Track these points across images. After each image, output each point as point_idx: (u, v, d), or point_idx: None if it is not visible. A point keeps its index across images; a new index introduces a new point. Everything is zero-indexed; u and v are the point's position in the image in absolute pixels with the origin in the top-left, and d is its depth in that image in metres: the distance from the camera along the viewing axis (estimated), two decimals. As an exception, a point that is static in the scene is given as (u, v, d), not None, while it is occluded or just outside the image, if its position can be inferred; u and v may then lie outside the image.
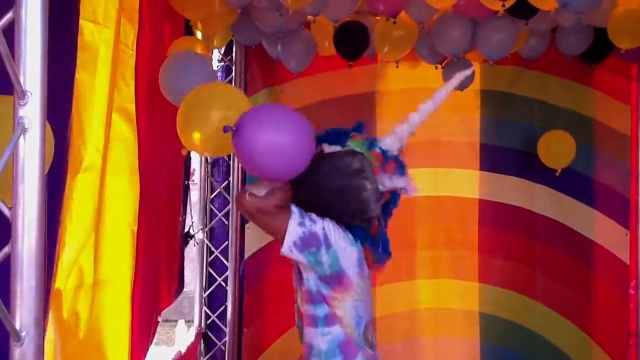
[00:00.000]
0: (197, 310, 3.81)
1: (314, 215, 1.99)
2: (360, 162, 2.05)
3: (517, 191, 4.11)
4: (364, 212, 2.04)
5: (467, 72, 2.33)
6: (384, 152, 2.15)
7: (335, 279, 2.00)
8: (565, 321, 4.12)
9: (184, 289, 3.58)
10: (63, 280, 1.96)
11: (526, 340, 4.10)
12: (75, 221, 1.99)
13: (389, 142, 2.17)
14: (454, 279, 4.18)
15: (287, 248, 1.96)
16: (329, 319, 2.02)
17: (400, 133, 2.20)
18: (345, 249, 2.00)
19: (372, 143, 2.16)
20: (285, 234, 1.94)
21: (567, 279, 4.14)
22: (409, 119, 2.21)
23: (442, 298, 4.20)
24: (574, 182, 4.10)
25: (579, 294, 4.15)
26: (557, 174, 3.86)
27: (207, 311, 3.83)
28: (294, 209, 1.97)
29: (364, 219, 2.06)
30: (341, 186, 2.02)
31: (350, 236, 2.04)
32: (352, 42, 3.45)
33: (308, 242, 1.94)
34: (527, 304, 4.11)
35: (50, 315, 1.87)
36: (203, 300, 3.83)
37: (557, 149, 3.86)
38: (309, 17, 3.31)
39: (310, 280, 2.02)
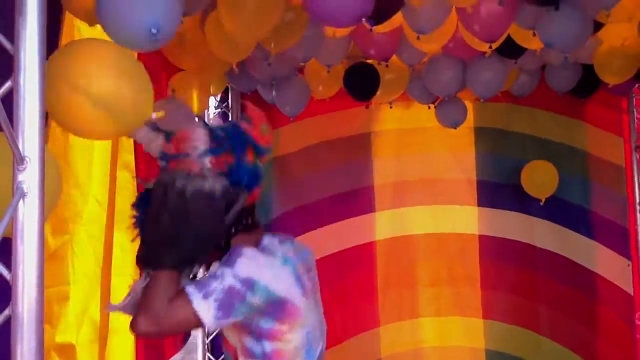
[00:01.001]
0: (200, 357, 3.78)
1: (214, 270, 1.59)
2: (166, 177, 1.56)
3: (516, 225, 4.13)
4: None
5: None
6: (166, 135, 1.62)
7: (276, 308, 1.60)
8: (572, 354, 4.09)
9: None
10: (73, 334, 1.95)
11: (534, 376, 4.06)
12: (79, 274, 2.00)
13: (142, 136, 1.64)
14: (458, 316, 4.17)
15: (214, 325, 1.56)
16: (270, 357, 1.63)
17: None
18: (275, 276, 1.60)
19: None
20: (199, 318, 1.52)
21: (572, 312, 4.13)
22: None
23: (447, 336, 4.18)
24: (573, 215, 4.13)
25: (584, 326, 4.13)
26: (541, 203, 3.89)
27: (211, 357, 3.80)
28: (186, 288, 1.53)
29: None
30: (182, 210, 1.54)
31: (279, 255, 1.64)
32: (363, 82, 3.54)
33: (229, 303, 1.54)
34: (533, 339, 4.09)
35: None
36: (206, 346, 3.80)
37: (539, 178, 3.91)
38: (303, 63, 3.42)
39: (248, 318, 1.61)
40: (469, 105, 3.87)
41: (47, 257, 1.87)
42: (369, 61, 3.52)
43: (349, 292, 3.98)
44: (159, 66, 3.03)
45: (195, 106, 3.67)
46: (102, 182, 2.16)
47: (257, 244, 1.64)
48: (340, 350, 3.91)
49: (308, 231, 4.01)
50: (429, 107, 3.78)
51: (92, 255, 2.10)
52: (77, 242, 2.01)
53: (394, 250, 4.07)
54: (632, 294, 4.08)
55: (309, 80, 3.59)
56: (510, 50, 3.11)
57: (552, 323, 4.11)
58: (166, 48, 2.90)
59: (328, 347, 4.15)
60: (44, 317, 1.83)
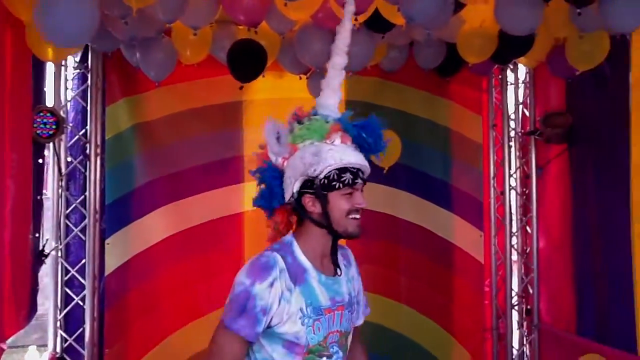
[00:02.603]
0: (51, 334, 3.54)
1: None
2: None
3: (381, 198, 4.23)
4: None
5: (350, 7, 2.09)
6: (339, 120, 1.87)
7: None
8: (428, 321, 4.31)
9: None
10: None
11: (393, 342, 4.22)
12: None
13: (330, 102, 1.92)
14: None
15: None
16: None
17: (331, 83, 1.96)
18: None
19: (324, 118, 1.86)
20: None
21: (430, 281, 4.34)
22: (332, 64, 2.00)
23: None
24: (434, 188, 4.32)
25: (441, 294, 4.36)
26: (384, 172, 3.94)
27: (63, 334, 3.58)
28: None
29: None
30: None
31: None
32: (248, 62, 3.38)
33: None
34: (392, 307, 4.24)
35: None
36: (58, 322, 3.57)
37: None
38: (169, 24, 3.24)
39: None
40: (340, 78, 3.88)
41: None
42: (240, 27, 3.41)
43: (217, 263, 3.90)
44: (2, 19, 2.74)
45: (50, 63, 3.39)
46: None
47: None
48: (206, 322, 3.83)
49: (174, 201, 3.87)
50: (300, 78, 3.75)
51: None
52: None
53: (262, 221, 4.00)
54: (483, 263, 4.38)
55: (175, 43, 3.41)
56: (378, 24, 3.14)
57: (411, 291, 4.29)
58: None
59: (193, 319, 4.06)
60: None
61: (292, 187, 1.79)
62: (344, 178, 1.76)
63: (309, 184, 1.77)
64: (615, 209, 3.50)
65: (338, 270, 1.87)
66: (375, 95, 4.21)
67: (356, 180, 1.78)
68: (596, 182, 3.74)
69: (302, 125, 1.84)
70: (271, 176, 1.84)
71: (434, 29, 3.09)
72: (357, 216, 1.81)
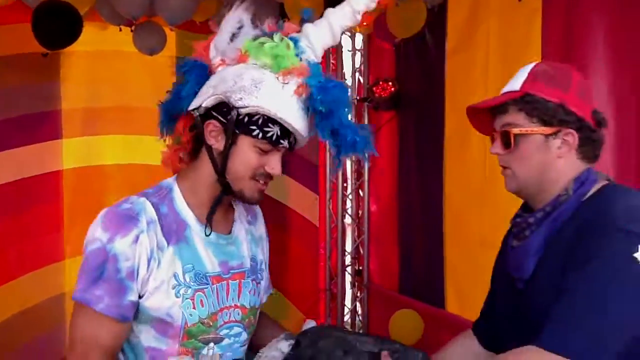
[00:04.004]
0: None
1: None
2: None
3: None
4: None
5: None
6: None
7: None
8: (263, 283, 4.33)
9: None
10: None
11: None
12: None
13: (319, 41, 1.41)
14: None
15: None
16: None
17: (336, 21, 1.41)
18: None
19: (299, 51, 1.38)
20: None
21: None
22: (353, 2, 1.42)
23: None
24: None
25: (276, 256, 4.31)
26: None
27: None
28: None
29: None
30: None
31: None
32: (57, 26, 3.11)
33: None
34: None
35: None
36: None
37: None
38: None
39: None
40: (170, 33, 3.73)
41: None
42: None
43: (31, 223, 3.66)
44: None
45: None
46: None
47: None
48: (17, 285, 3.61)
49: (-19, 157, 3.58)
50: (120, 30, 3.55)
51: None
52: None
53: (82, 180, 3.81)
54: (318, 226, 4.46)
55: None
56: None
57: (245, 254, 4.28)
58: None
59: (3, 283, 3.81)
60: None
61: (205, 97, 1.35)
62: (270, 132, 1.32)
63: (224, 109, 1.33)
64: (431, 175, 3.66)
65: (233, 226, 1.49)
66: (207, 52, 4.09)
67: (281, 141, 1.34)
68: (417, 148, 3.89)
69: (267, 40, 1.37)
70: (196, 74, 1.43)
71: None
72: (262, 182, 1.40)
